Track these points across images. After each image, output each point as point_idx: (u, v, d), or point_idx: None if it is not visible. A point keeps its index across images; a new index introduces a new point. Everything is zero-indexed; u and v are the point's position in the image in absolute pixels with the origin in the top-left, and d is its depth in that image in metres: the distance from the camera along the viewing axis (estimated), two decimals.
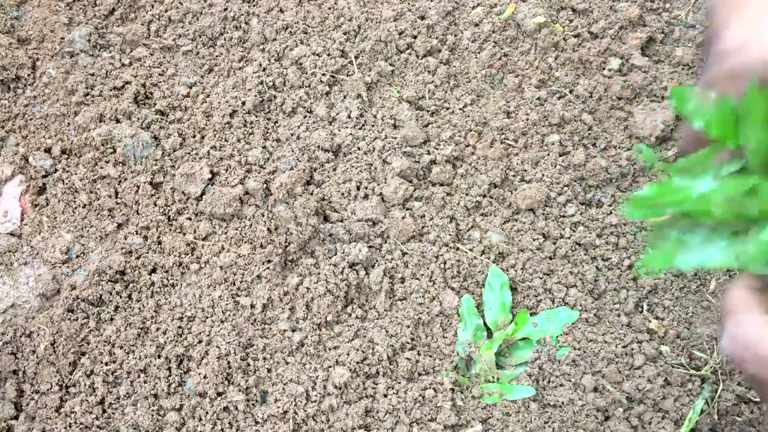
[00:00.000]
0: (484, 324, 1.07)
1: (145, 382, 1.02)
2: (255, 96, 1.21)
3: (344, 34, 1.28)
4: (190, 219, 1.13)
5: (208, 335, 1.05)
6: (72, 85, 1.21)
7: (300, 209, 1.08)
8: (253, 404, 1.01)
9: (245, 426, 0.99)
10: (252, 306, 1.06)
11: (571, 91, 1.22)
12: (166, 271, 1.09)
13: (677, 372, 1.01)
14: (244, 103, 1.21)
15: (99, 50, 1.28)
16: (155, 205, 1.13)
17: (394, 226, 1.11)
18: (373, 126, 1.20)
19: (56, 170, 1.16)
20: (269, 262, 1.08)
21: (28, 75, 1.24)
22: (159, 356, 1.03)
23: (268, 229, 1.09)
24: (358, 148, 1.17)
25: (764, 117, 0.42)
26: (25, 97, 1.22)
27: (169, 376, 1.02)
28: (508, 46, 1.28)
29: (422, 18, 1.30)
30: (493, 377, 1.04)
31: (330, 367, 1.02)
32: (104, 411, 1.01)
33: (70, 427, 0.99)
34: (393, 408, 1.00)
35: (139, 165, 1.16)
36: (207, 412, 0.99)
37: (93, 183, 1.15)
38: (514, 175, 1.17)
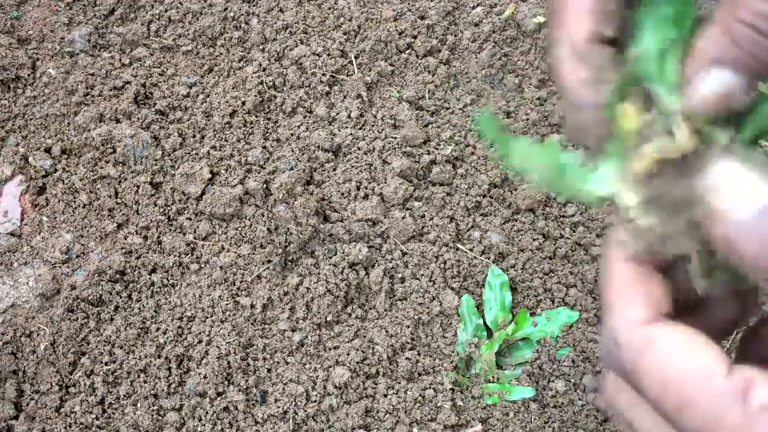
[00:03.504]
0: (484, 324, 1.07)
1: (145, 382, 1.02)
2: (255, 96, 1.21)
3: (344, 34, 1.28)
4: (190, 219, 1.13)
5: (208, 335, 1.05)
6: (72, 85, 1.21)
7: (300, 209, 1.08)
8: (253, 404, 1.01)
9: (245, 426, 0.99)
10: (252, 306, 1.06)
11: None
12: (166, 271, 1.09)
13: None
14: (244, 103, 1.21)
15: (99, 50, 1.28)
16: (155, 205, 1.13)
17: (394, 226, 1.11)
18: (373, 126, 1.20)
19: (56, 170, 1.16)
20: (269, 262, 1.08)
21: (28, 75, 1.24)
22: (159, 356, 1.03)
23: (268, 229, 1.09)
24: (358, 148, 1.17)
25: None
26: (25, 97, 1.22)
27: (169, 376, 1.02)
28: (508, 46, 1.28)
29: (422, 18, 1.30)
30: (493, 377, 1.04)
31: (330, 367, 1.02)
32: (104, 411, 1.01)
33: (70, 427, 0.99)
34: (393, 408, 1.00)
35: (139, 165, 1.16)
36: (207, 412, 0.99)
37: (93, 183, 1.15)
38: (514, 175, 1.17)
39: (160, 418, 1.01)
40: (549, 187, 0.38)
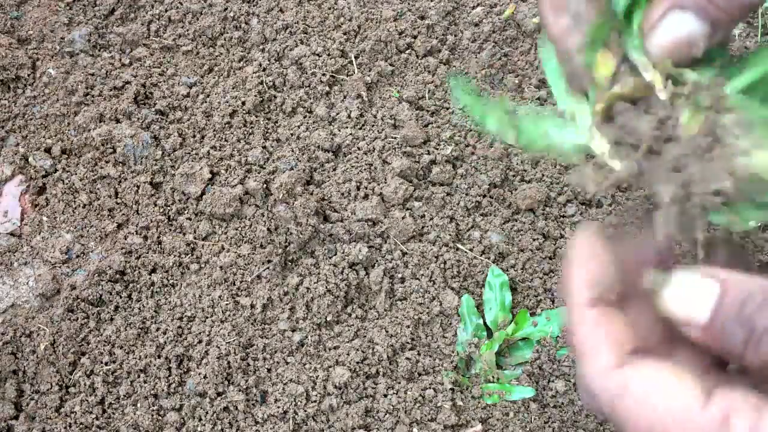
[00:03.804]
0: (484, 324, 1.07)
1: (145, 382, 1.02)
2: (255, 96, 1.21)
3: (344, 34, 1.28)
4: (190, 219, 1.13)
5: (208, 335, 1.05)
6: (72, 85, 1.21)
7: (300, 209, 1.08)
8: (253, 404, 1.01)
9: (245, 426, 0.99)
10: (252, 306, 1.06)
11: None
12: (166, 271, 1.09)
13: None
14: (244, 103, 1.21)
15: (99, 50, 1.28)
16: (155, 205, 1.13)
17: (394, 226, 1.11)
18: (373, 126, 1.20)
19: (56, 170, 1.16)
20: (269, 262, 1.08)
21: (28, 75, 1.24)
22: (159, 356, 1.03)
23: (268, 229, 1.09)
24: (358, 148, 1.17)
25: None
26: (25, 97, 1.22)
27: (169, 376, 1.02)
28: (508, 46, 1.28)
29: (422, 18, 1.30)
30: (493, 377, 1.04)
31: (330, 367, 1.02)
32: (104, 411, 1.01)
33: (70, 427, 0.99)
34: (393, 408, 1.00)
35: (139, 165, 1.16)
36: (207, 412, 0.99)
37: (93, 183, 1.15)
38: (514, 175, 1.17)
39: (160, 418, 1.01)
40: (527, 145, 0.38)
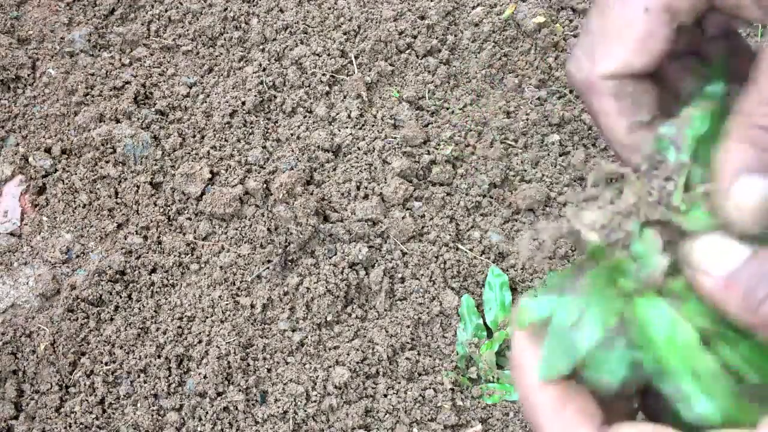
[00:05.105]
0: (484, 324, 1.07)
1: (145, 382, 1.02)
2: (255, 96, 1.21)
3: (344, 34, 1.28)
4: (190, 219, 1.13)
5: (208, 335, 1.05)
6: (72, 85, 1.21)
7: (300, 209, 1.08)
8: (253, 404, 1.01)
9: (245, 426, 0.99)
10: (252, 306, 1.06)
11: (571, 91, 1.22)
12: (166, 271, 1.09)
13: None
14: (244, 103, 1.21)
15: (99, 50, 1.28)
16: (155, 205, 1.13)
17: (394, 226, 1.11)
18: (373, 126, 1.20)
19: (56, 170, 1.16)
20: (269, 262, 1.08)
21: (28, 75, 1.24)
22: (159, 356, 1.03)
23: (268, 229, 1.09)
24: (358, 148, 1.17)
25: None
26: (25, 97, 1.22)
27: (169, 376, 1.02)
28: (508, 46, 1.28)
29: (422, 18, 1.30)
30: (493, 377, 1.04)
31: (330, 367, 1.02)
32: (104, 411, 1.01)
33: (70, 427, 0.99)
34: (393, 408, 1.00)
35: (139, 165, 1.16)
36: (207, 412, 0.99)
37: (93, 183, 1.15)
38: (514, 175, 1.17)
39: (160, 418, 1.01)
40: None
